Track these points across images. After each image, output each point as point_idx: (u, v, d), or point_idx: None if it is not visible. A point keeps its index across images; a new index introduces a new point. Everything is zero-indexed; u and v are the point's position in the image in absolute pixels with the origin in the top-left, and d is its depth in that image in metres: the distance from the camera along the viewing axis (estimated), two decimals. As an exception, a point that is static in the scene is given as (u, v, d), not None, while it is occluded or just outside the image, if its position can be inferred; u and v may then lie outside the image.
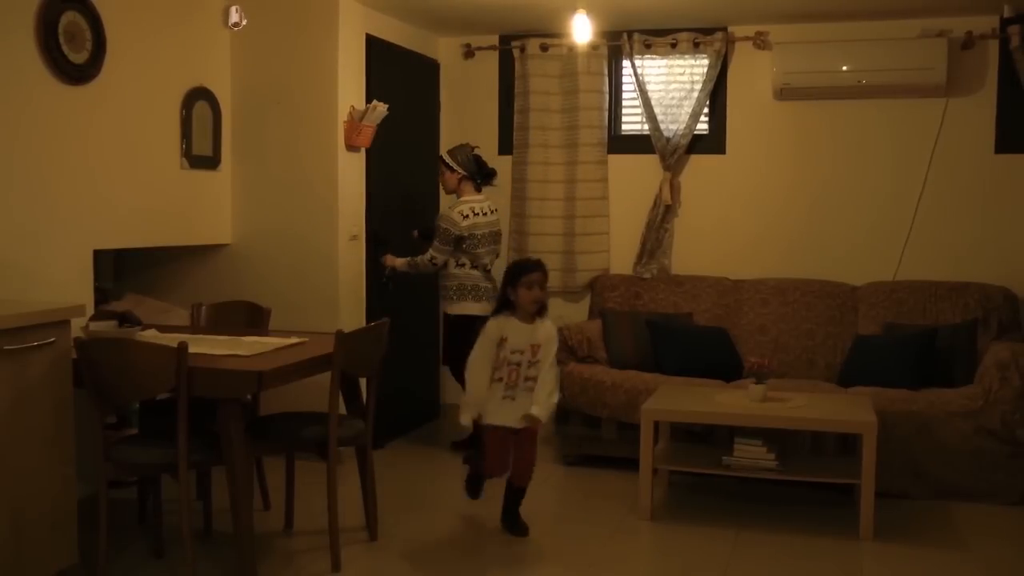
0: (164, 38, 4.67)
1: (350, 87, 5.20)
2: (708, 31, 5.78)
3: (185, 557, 3.41)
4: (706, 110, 5.85)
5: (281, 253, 5.20)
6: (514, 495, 4.17)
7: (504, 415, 4.04)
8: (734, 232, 5.88)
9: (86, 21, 4.12)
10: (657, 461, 4.45)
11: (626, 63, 5.96)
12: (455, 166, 5.29)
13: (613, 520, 4.33)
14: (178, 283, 5.31)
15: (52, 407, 3.27)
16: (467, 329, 4.78)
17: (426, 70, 6.12)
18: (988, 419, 4.52)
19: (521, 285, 4.02)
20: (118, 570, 3.65)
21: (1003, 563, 3.90)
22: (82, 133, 4.17)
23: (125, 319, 3.86)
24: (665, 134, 5.83)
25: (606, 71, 5.97)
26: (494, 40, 6.20)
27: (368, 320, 5.22)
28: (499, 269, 5.25)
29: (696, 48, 5.80)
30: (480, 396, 4.05)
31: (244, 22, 4.98)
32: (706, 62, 5.79)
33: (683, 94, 5.82)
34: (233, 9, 4.97)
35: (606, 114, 5.99)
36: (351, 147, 5.20)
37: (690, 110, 5.79)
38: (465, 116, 6.26)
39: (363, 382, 4.00)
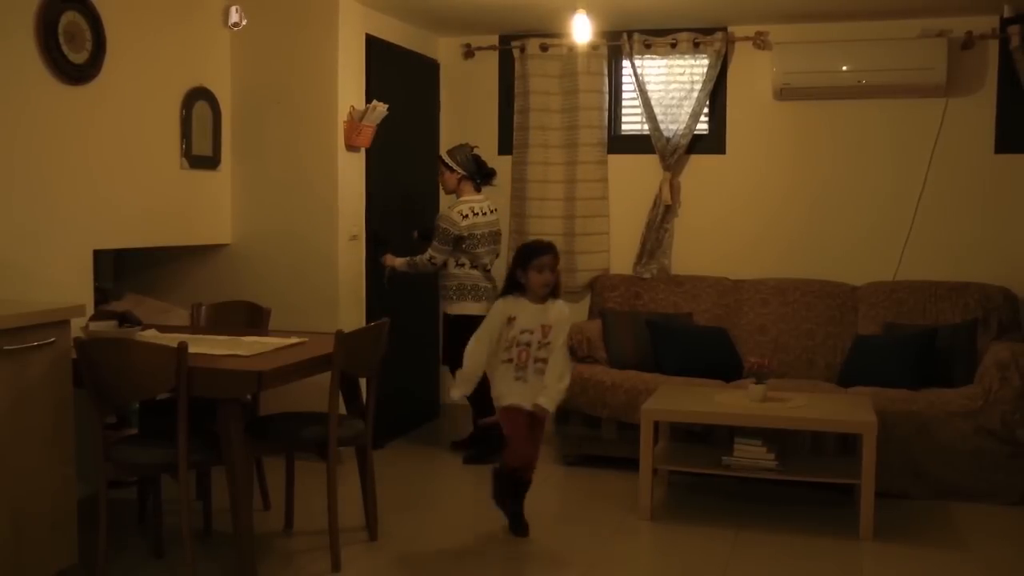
0: (164, 38, 4.67)
1: (350, 87, 5.20)
2: (708, 31, 5.78)
3: (185, 557, 3.41)
4: (706, 110, 5.85)
5: (281, 253, 5.20)
6: (518, 486, 4.13)
7: (517, 395, 4.01)
8: (734, 232, 5.88)
9: (86, 21, 4.12)
10: (657, 461, 4.45)
11: (626, 63, 5.96)
12: (454, 166, 5.29)
13: (613, 520, 4.33)
14: (178, 283, 5.31)
15: (52, 407, 3.27)
16: (467, 329, 4.76)
17: (426, 70, 6.12)
18: (988, 419, 4.52)
19: (532, 268, 3.99)
20: (118, 570, 3.65)
21: (1003, 563, 3.90)
22: (82, 133, 4.17)
23: (125, 319, 3.87)
24: (665, 134, 5.83)
25: (606, 71, 5.97)
26: (494, 40, 6.20)
27: (368, 320, 5.22)
28: (499, 269, 5.26)
29: (696, 48, 5.80)
30: (475, 372, 4.04)
31: (244, 22, 4.98)
32: (706, 62, 5.79)
33: (683, 94, 5.82)
34: (233, 9, 4.97)
35: (606, 114, 5.99)
36: (351, 147, 5.20)
37: (690, 110, 5.79)
38: (465, 116, 6.26)
39: (363, 382, 4.00)
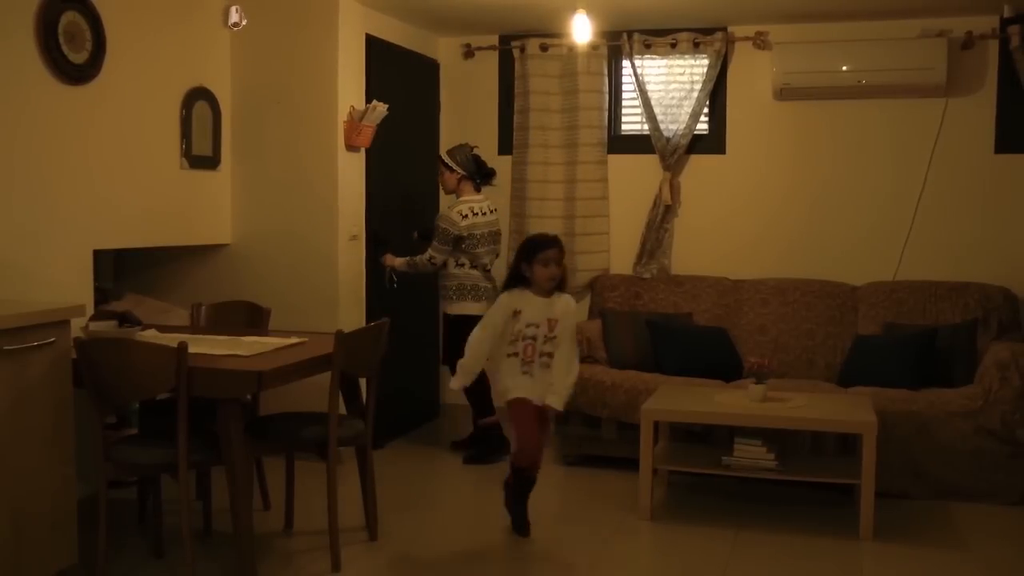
0: (164, 38, 4.67)
1: (350, 87, 5.20)
2: (708, 31, 5.78)
3: (185, 557, 3.41)
4: (706, 110, 5.85)
5: (281, 253, 5.20)
6: (523, 485, 4.12)
7: (524, 389, 3.97)
8: (734, 232, 5.88)
9: (86, 21, 4.12)
10: (657, 461, 4.45)
11: (626, 63, 5.96)
12: (454, 166, 5.29)
13: (613, 520, 4.33)
14: (178, 283, 5.31)
15: (52, 407, 3.27)
16: (467, 329, 4.77)
17: (426, 70, 6.12)
18: (988, 419, 4.52)
19: (537, 262, 3.96)
20: (118, 570, 3.65)
21: (1003, 563, 3.90)
22: (82, 133, 4.17)
23: (125, 319, 3.87)
24: (665, 134, 5.83)
25: (606, 71, 5.97)
26: (494, 40, 6.20)
27: (368, 320, 5.22)
28: (499, 269, 5.27)
29: (696, 48, 5.80)
30: (477, 363, 4.02)
31: (244, 22, 4.98)
32: (706, 62, 5.79)
33: (683, 94, 5.82)
34: (233, 9, 4.97)
35: (606, 114, 5.99)
36: (351, 147, 5.20)
37: (690, 110, 5.79)
38: (465, 116, 6.26)
39: (363, 382, 4.00)
